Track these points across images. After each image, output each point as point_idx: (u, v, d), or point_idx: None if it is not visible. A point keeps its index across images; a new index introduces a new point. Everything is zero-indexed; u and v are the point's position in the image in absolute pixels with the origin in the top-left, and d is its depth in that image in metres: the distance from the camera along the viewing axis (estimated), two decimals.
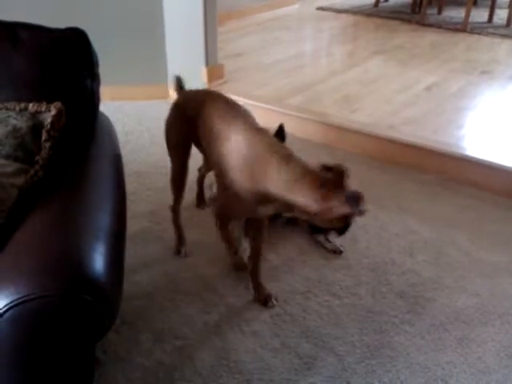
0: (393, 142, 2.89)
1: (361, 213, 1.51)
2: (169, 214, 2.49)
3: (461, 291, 2.02)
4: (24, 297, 1.02)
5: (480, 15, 5.48)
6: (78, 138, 1.55)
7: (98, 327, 1.13)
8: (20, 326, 1.04)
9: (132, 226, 2.26)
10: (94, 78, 1.62)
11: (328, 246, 2.25)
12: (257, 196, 1.64)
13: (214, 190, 2.34)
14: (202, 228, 2.39)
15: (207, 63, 3.61)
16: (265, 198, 1.63)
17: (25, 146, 1.39)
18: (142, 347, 1.77)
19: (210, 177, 2.51)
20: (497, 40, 4.88)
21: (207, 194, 2.59)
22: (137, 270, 2.11)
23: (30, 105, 1.46)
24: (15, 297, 1.02)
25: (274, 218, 2.30)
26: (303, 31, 5.49)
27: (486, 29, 5.11)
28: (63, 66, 1.57)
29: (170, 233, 2.34)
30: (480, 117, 3.27)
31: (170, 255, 2.21)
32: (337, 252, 2.22)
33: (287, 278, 2.10)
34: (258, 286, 1.98)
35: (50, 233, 1.20)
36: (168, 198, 2.62)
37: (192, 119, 1.94)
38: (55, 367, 1.13)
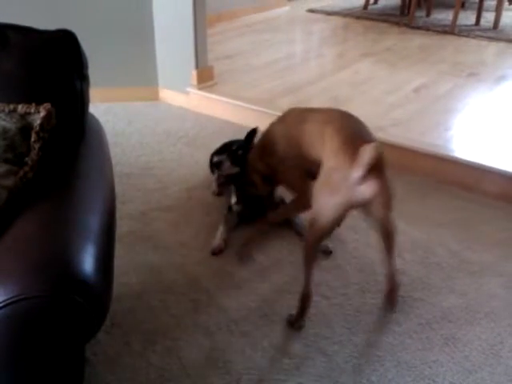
0: (381, 143, 2.91)
1: None
2: (158, 215, 2.50)
3: (448, 291, 2.05)
4: (13, 297, 1.02)
5: (468, 18, 5.53)
6: (67, 140, 1.55)
7: (88, 328, 1.13)
8: (9, 326, 1.04)
9: (122, 226, 2.26)
10: (84, 79, 1.62)
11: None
12: None
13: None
14: (191, 229, 2.40)
15: (197, 65, 3.61)
16: None
17: (14, 148, 1.39)
18: (132, 348, 1.78)
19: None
20: (484, 42, 4.94)
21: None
22: (126, 270, 2.11)
23: (20, 106, 1.46)
24: (4, 297, 1.02)
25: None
26: (293, 33, 5.51)
27: (474, 31, 5.16)
28: (52, 67, 1.57)
29: (159, 233, 2.36)
30: (468, 118, 3.31)
31: (159, 256, 2.22)
32: (327, 252, 2.24)
33: (276, 278, 2.11)
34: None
35: (40, 234, 1.20)
36: (157, 198, 2.63)
37: None
38: (45, 368, 1.13)
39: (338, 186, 1.64)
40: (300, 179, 2.05)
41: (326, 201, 1.70)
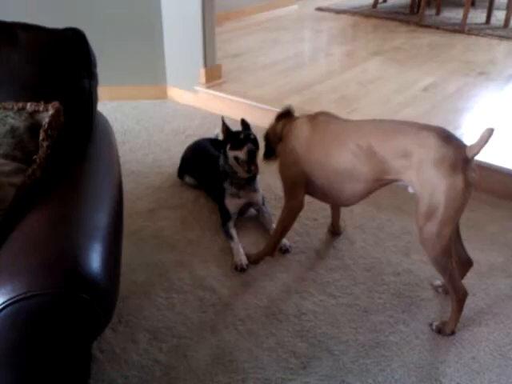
0: None
1: None
2: (166, 213, 2.51)
3: None
4: (21, 295, 1.03)
5: (478, 16, 5.50)
6: (75, 138, 1.56)
7: (95, 325, 1.14)
8: (17, 323, 1.05)
9: (130, 225, 2.28)
10: (92, 77, 1.62)
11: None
12: None
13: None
14: (198, 227, 2.40)
15: (205, 64, 3.62)
16: None
17: (23, 146, 1.39)
18: (139, 346, 1.78)
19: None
20: (494, 41, 4.90)
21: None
22: (134, 268, 2.12)
23: (28, 104, 1.47)
24: (13, 294, 1.03)
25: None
26: (302, 32, 5.50)
27: (484, 30, 5.13)
28: (61, 65, 1.58)
29: (166, 231, 2.36)
30: (477, 118, 3.29)
31: (166, 254, 2.22)
32: (283, 250, 2.23)
33: (283, 277, 2.11)
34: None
35: (48, 231, 1.20)
36: (164, 196, 2.64)
37: None
38: (52, 365, 1.14)
39: (455, 166, 1.65)
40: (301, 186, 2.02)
41: (449, 185, 1.65)
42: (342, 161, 1.85)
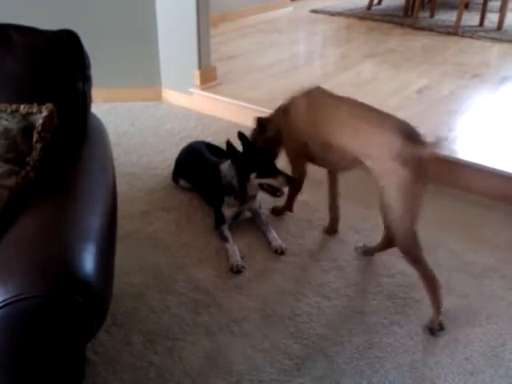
0: None
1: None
2: (160, 215, 2.50)
3: (449, 292, 2.03)
4: (14, 297, 1.02)
5: (471, 19, 5.52)
6: (69, 140, 1.56)
7: (88, 327, 1.14)
8: (10, 325, 1.05)
9: (124, 226, 2.27)
10: (86, 79, 1.62)
11: (273, 244, 2.27)
12: None
13: None
14: (193, 229, 2.40)
15: (200, 66, 3.62)
16: None
17: (16, 148, 1.39)
18: (133, 348, 1.78)
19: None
20: (488, 43, 4.92)
21: None
22: (128, 270, 2.11)
23: (22, 106, 1.46)
24: (5, 297, 1.03)
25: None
26: (296, 34, 5.51)
27: (478, 32, 5.15)
28: (55, 67, 1.57)
29: (160, 233, 2.36)
30: (471, 120, 3.30)
31: (161, 256, 2.22)
32: (278, 251, 2.24)
33: (277, 279, 2.11)
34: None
35: (41, 234, 1.20)
36: (159, 198, 2.63)
37: None
38: (45, 367, 1.14)
39: (408, 161, 1.75)
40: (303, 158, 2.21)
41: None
42: (330, 137, 1.99)
